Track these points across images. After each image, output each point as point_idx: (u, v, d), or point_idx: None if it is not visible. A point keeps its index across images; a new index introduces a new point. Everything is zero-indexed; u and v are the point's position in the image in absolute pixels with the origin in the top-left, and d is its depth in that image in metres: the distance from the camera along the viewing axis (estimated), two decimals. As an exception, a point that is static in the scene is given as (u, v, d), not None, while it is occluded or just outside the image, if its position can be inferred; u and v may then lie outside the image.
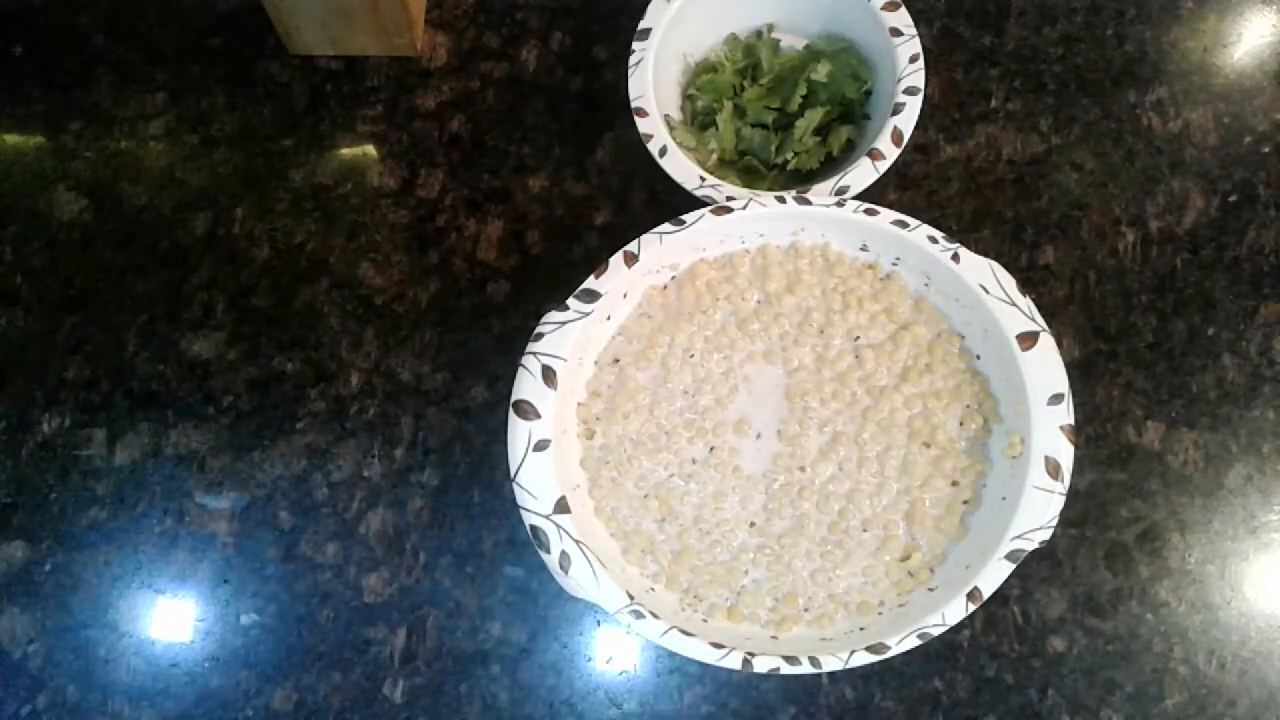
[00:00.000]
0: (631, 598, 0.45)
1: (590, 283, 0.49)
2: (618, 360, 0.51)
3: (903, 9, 0.54)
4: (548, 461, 0.46)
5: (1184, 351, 0.55)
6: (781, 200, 0.50)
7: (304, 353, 0.56)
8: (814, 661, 0.44)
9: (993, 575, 0.45)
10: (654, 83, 0.54)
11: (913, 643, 0.44)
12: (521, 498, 0.46)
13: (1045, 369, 0.47)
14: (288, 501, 0.53)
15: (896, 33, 0.54)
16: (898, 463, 0.49)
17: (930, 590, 0.47)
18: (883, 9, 0.54)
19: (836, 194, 0.51)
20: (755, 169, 0.57)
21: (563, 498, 0.46)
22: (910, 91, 0.53)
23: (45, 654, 0.51)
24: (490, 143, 0.60)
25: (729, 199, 0.51)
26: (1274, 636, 0.49)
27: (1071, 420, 0.46)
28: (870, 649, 0.44)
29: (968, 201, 0.58)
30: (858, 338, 0.51)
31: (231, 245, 0.58)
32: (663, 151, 0.53)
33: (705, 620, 0.47)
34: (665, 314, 0.52)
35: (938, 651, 0.49)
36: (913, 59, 0.53)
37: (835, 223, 0.51)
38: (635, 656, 0.51)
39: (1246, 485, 0.52)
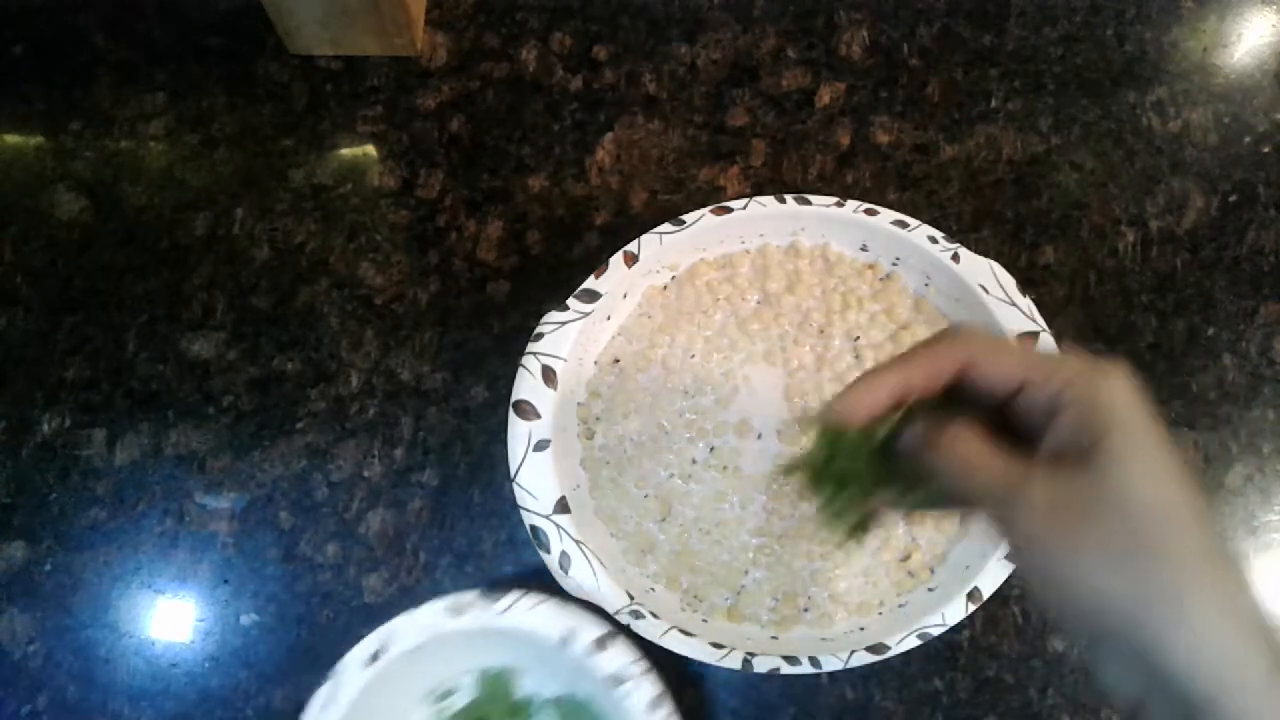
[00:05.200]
0: (631, 598, 0.45)
1: (590, 283, 0.49)
2: (618, 360, 0.51)
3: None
4: (548, 461, 0.47)
5: (1184, 351, 0.55)
6: (781, 200, 0.50)
7: (304, 353, 0.56)
8: (814, 661, 0.44)
9: (993, 575, 0.45)
10: None
11: (913, 643, 0.44)
12: (521, 498, 0.46)
13: (1045, 369, 0.47)
14: (288, 501, 0.53)
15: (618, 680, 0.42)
16: (898, 463, 0.49)
17: (930, 590, 0.47)
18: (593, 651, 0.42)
19: None
20: None
21: (563, 498, 0.46)
22: None
23: (45, 654, 0.51)
24: (490, 143, 0.60)
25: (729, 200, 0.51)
26: (1274, 636, 0.49)
27: (1071, 420, 0.46)
28: (870, 649, 0.44)
29: (968, 201, 0.58)
30: (858, 338, 0.51)
31: (231, 245, 0.58)
32: None
33: (705, 620, 0.47)
34: (665, 314, 0.52)
35: (938, 651, 0.49)
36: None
37: (835, 223, 0.51)
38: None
39: (1246, 485, 0.52)
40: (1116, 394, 0.29)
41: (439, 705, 0.46)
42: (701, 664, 0.45)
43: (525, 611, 0.42)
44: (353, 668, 0.41)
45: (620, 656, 0.41)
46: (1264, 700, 0.26)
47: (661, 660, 0.50)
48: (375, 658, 0.41)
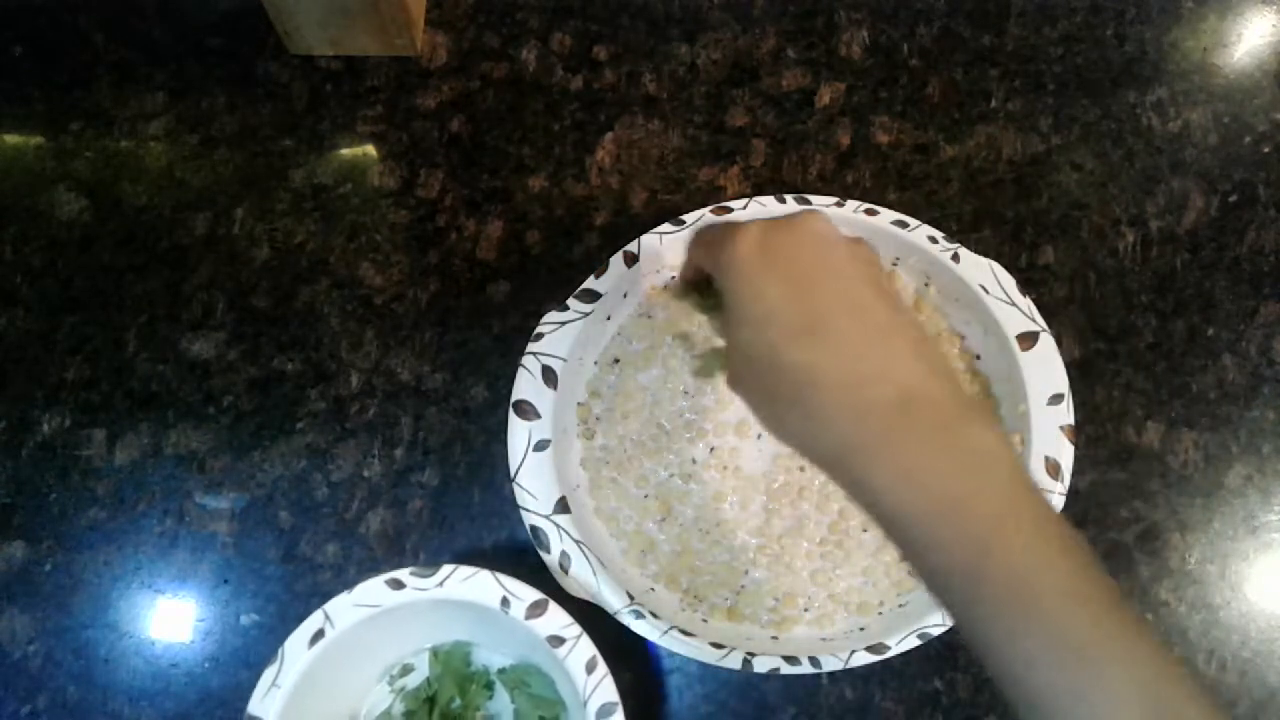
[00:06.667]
0: (631, 598, 0.45)
1: (590, 283, 0.49)
2: (618, 360, 0.51)
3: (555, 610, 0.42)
4: (548, 461, 0.47)
5: (1184, 351, 0.55)
6: (782, 200, 0.50)
7: (304, 353, 0.56)
8: (814, 661, 0.44)
9: (993, 575, 0.45)
10: None
11: (913, 643, 0.44)
12: (521, 498, 0.46)
13: (1045, 369, 0.47)
14: (288, 501, 0.53)
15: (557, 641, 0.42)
16: (898, 463, 0.49)
17: (930, 590, 0.47)
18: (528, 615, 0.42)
19: None
20: None
21: (563, 498, 0.46)
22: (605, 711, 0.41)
23: (45, 654, 0.51)
24: (490, 143, 0.60)
25: (729, 200, 0.51)
26: (1274, 636, 0.49)
27: (1071, 420, 0.46)
28: (870, 649, 0.44)
29: (968, 201, 0.58)
30: (858, 338, 0.51)
31: (231, 245, 0.58)
32: None
33: (705, 620, 0.47)
34: (665, 314, 0.52)
35: (938, 651, 0.49)
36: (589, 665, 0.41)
37: (835, 223, 0.51)
38: (635, 656, 0.51)
39: (1246, 485, 0.52)
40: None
41: (395, 684, 0.47)
42: (701, 664, 0.45)
43: (460, 582, 0.42)
44: (296, 649, 0.42)
45: (556, 619, 0.42)
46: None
47: (662, 659, 0.50)
48: (318, 637, 0.41)
